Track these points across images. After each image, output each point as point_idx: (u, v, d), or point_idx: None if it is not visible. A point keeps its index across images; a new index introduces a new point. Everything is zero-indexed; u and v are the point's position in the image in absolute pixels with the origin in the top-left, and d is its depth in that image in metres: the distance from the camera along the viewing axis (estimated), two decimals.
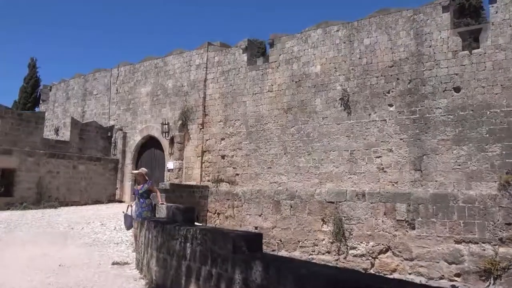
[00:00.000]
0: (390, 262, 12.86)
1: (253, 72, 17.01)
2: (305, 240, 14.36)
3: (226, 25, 60.27)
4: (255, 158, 16.28)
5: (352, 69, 14.48)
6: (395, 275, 12.64)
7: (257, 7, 60.61)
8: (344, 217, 13.61)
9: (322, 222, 14.10)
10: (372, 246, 13.12)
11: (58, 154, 18.62)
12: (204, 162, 17.88)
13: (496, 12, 12.16)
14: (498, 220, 11.23)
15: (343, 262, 13.57)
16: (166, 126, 19.04)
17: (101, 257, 8.00)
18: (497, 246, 11.16)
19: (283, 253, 14.39)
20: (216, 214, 16.72)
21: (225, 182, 16.96)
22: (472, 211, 11.59)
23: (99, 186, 19.92)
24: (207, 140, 17.98)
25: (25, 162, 17.21)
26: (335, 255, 13.73)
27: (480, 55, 12.27)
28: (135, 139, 20.81)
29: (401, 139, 13.25)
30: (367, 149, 13.74)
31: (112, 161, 20.89)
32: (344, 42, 14.83)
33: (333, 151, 14.39)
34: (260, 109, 16.49)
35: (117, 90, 22.09)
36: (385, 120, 13.60)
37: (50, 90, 26.08)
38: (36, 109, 27.63)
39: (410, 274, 12.49)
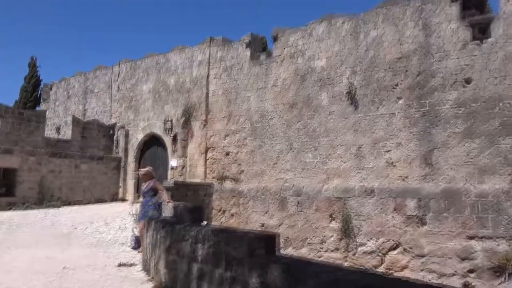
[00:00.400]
0: (401, 259, 12.59)
1: (257, 67, 16.69)
2: (313, 237, 14.08)
3: (228, 21, 59.87)
4: (260, 155, 15.99)
5: (359, 62, 14.14)
6: (406, 272, 12.38)
7: (259, 2, 60.18)
8: (353, 213, 13.32)
9: (330, 219, 13.82)
10: (382, 243, 12.83)
11: (60, 153, 18.37)
12: (208, 159, 17.60)
13: (508, 0, 11.81)
14: None
15: (352, 259, 13.30)
16: (169, 123, 18.76)
17: (107, 258, 7.74)
18: (511, 241, 10.87)
19: (290, 250, 14.14)
20: (221, 212, 16.46)
21: (230, 179, 16.68)
22: (485, 206, 11.29)
23: (102, 185, 19.68)
24: (210, 136, 17.68)
25: (27, 161, 16.96)
26: (343, 252, 13.46)
27: (491, 44, 11.92)
28: (138, 137, 20.53)
29: (410, 133, 12.93)
30: (375, 144, 13.43)
31: (114, 159, 20.64)
32: (350, 35, 14.49)
33: (340, 146, 14.08)
34: (264, 105, 16.18)
35: (118, 88, 21.81)
36: (393, 113, 13.28)
37: (51, 89, 25.82)
38: (37, 108, 27.35)
39: (421, 271, 12.20)
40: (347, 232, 13.28)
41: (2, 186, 16.72)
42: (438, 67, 12.76)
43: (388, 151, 13.21)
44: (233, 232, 4.52)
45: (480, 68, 12.04)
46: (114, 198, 20.03)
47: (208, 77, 18.11)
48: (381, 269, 12.67)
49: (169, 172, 18.54)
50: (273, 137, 15.74)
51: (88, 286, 5.84)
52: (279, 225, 14.77)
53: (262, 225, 15.10)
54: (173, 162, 18.43)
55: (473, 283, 11.26)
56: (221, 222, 16.05)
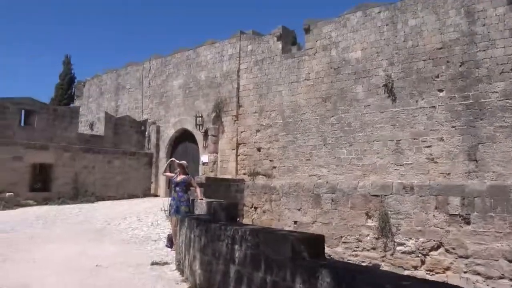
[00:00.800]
0: (443, 260, 11.92)
1: (289, 60, 16.27)
2: (348, 235, 13.58)
3: (257, 14, 59.53)
4: (292, 150, 15.59)
5: (396, 53, 13.50)
6: (449, 274, 11.74)
7: None
8: (391, 211, 12.72)
9: (366, 217, 13.27)
10: (422, 243, 12.20)
11: (93, 149, 18.58)
12: (239, 155, 17.35)
13: None
14: None
15: (390, 259, 12.74)
16: (200, 118, 18.62)
17: (139, 255, 7.59)
18: None
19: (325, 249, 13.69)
20: (252, 209, 16.17)
21: (262, 175, 16.37)
22: None
23: (134, 181, 19.80)
24: (242, 132, 17.42)
25: (62, 157, 17.22)
26: (381, 251, 12.90)
27: None
28: (169, 132, 20.53)
29: (453, 127, 12.22)
30: (414, 139, 12.79)
31: (146, 155, 20.73)
32: (387, 25, 13.85)
33: (377, 141, 13.51)
34: (296, 99, 15.76)
35: (149, 84, 21.87)
36: (434, 106, 12.59)
37: (84, 85, 26.24)
38: (71, 105, 27.91)
39: (465, 272, 11.52)
40: (384, 231, 12.71)
41: (38, 181, 17.08)
42: (483, 56, 11.99)
43: (429, 146, 12.55)
44: (273, 233, 4.18)
45: None
46: (146, 193, 20.12)
47: (238, 71, 17.84)
48: (421, 271, 12.08)
49: (200, 167, 18.43)
50: (306, 132, 15.31)
51: (121, 285, 5.66)
52: (313, 223, 14.34)
53: (295, 222, 14.71)
54: (204, 158, 18.30)
55: None
56: (253, 219, 15.77)
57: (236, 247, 4.49)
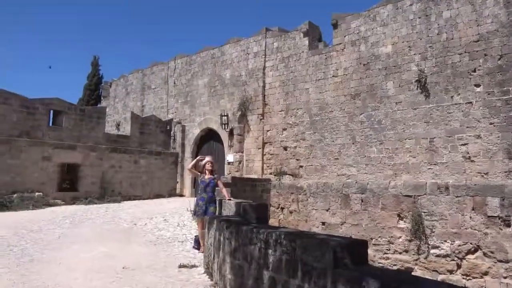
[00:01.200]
0: (480, 264, 11.32)
1: (316, 56, 15.87)
2: (379, 237, 13.10)
3: (282, 11, 59.10)
4: (320, 149, 15.20)
5: (430, 46, 12.92)
6: (487, 279, 11.12)
7: None
8: (424, 212, 12.19)
9: (398, 218, 12.77)
10: (458, 246, 11.62)
11: (120, 148, 18.67)
12: (265, 154, 17.06)
13: None
14: None
15: (423, 263, 12.20)
16: (225, 117, 18.44)
17: (166, 258, 7.39)
18: None
19: None
20: (279, 209, 15.86)
21: (288, 174, 16.04)
22: None
23: (160, 180, 19.81)
24: (267, 131, 17.13)
25: (89, 157, 17.35)
26: (413, 254, 12.38)
27: None
28: (194, 132, 20.45)
29: (491, 123, 11.58)
30: (449, 136, 12.20)
31: (172, 155, 20.71)
32: (419, 17, 13.28)
33: (409, 139, 12.97)
34: (324, 96, 15.35)
35: (174, 83, 21.85)
36: (471, 102, 11.97)
37: (110, 86, 26.51)
38: (98, 106, 28.26)
39: (505, 278, 10.89)
40: (417, 233, 12.19)
41: (66, 181, 17.25)
42: None
43: (465, 144, 11.94)
44: (312, 237, 3.87)
45: None
46: (172, 193, 20.10)
47: (264, 69, 17.55)
48: (457, 275, 11.50)
49: (226, 167, 18.24)
50: (334, 130, 14.88)
51: None
52: (342, 224, 13.92)
53: (323, 223, 14.33)
54: (229, 157, 18.10)
55: None
56: (279, 220, 15.46)
57: (270, 251, 4.20)
